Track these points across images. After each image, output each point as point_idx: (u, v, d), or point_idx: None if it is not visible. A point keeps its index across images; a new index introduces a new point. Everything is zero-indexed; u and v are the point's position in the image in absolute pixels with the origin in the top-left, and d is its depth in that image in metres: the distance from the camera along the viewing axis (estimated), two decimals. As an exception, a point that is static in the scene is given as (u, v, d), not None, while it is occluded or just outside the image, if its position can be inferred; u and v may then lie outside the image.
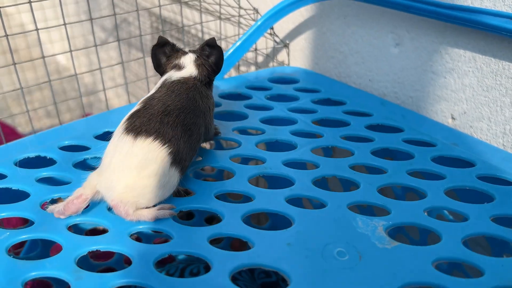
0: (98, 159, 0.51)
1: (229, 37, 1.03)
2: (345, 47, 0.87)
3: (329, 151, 0.75)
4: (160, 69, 0.60)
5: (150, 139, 0.48)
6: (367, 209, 0.58)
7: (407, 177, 0.54)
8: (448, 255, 0.44)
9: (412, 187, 0.53)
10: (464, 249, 0.44)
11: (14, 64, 0.67)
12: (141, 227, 0.47)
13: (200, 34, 1.21)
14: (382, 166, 0.56)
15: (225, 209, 0.49)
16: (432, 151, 0.59)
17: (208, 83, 0.59)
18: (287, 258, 0.43)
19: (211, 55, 0.59)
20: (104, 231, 0.46)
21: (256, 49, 0.97)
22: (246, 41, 0.83)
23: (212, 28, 1.11)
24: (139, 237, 0.80)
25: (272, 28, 0.93)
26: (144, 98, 0.54)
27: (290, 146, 0.61)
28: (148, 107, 0.51)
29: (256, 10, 0.89)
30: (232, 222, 0.47)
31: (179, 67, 0.58)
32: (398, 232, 0.71)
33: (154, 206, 0.49)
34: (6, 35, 0.66)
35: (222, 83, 0.80)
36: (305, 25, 0.94)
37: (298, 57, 0.98)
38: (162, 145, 0.48)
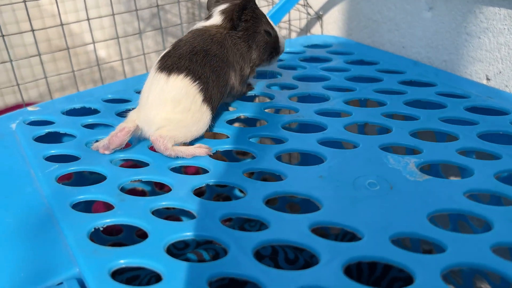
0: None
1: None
2: (378, 15, 0.88)
3: (362, 103, 0.76)
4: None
5: (181, 76, 0.51)
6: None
7: (439, 123, 0.55)
8: (480, 187, 0.44)
9: (444, 132, 0.53)
10: (496, 182, 0.44)
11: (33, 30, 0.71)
12: (179, 162, 0.49)
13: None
14: (414, 114, 0.57)
15: (258, 149, 0.51)
16: (465, 102, 0.60)
17: (231, 35, 0.57)
18: (318, 188, 0.44)
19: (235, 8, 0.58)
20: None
21: (289, 20, 0.98)
22: (278, 12, 0.85)
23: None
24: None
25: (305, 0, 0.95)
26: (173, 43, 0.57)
27: (322, 99, 0.63)
28: (177, 48, 0.54)
29: (289, -20, 0.90)
30: (265, 159, 0.49)
31: (208, 17, 0.60)
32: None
33: (191, 145, 0.52)
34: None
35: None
36: (338, -3, 0.95)
37: (331, 29, 0.99)
38: (193, 82, 0.51)
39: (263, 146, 0.51)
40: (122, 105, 0.62)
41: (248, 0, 0.57)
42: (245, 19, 0.58)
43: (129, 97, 0.64)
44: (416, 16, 0.81)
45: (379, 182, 0.45)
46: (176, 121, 0.50)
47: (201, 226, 0.40)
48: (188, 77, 0.51)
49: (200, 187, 0.46)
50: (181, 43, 0.55)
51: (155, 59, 1.95)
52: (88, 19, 0.79)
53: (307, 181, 0.46)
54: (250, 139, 0.53)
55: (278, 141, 0.53)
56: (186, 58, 0.52)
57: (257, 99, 0.68)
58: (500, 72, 0.71)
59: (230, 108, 0.60)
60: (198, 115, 0.51)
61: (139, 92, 0.64)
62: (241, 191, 0.45)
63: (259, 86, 0.66)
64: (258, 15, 0.59)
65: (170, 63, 0.52)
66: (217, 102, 0.54)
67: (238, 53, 0.58)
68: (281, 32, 1.08)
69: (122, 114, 0.60)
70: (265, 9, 0.99)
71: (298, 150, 0.51)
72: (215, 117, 0.56)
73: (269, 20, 0.61)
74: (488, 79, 0.73)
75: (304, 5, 0.94)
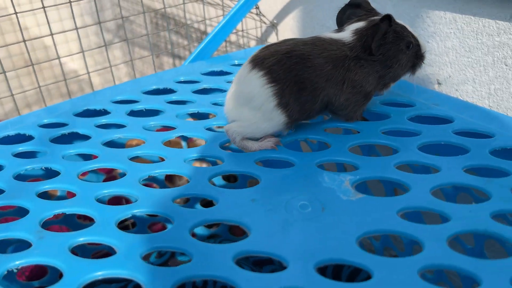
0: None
1: (212, 19, 1.03)
2: (331, 21, 0.86)
3: None
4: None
5: (260, 74, 0.50)
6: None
7: (380, 136, 0.53)
8: (415, 204, 0.43)
9: (383, 145, 0.52)
10: (432, 198, 0.43)
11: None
12: (106, 191, 0.47)
13: (191, 23, 1.22)
14: (356, 127, 0.55)
15: (192, 172, 0.49)
16: (410, 111, 0.58)
17: (360, 57, 0.52)
18: (249, 212, 0.43)
19: (373, 32, 0.51)
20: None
21: (243, 30, 0.97)
22: (230, 21, 0.83)
23: (197, 14, 1.12)
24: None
25: (258, 8, 0.93)
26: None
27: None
28: (281, 44, 0.52)
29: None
30: (199, 183, 0.47)
31: (340, 30, 0.55)
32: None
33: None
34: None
35: (208, 62, 0.80)
36: (292, 4, 0.93)
37: (287, 36, 0.98)
38: (269, 83, 0.50)
39: (197, 169, 0.49)
40: (57, 130, 0.59)
41: (388, 24, 0.51)
42: (385, 43, 0.52)
43: (66, 121, 0.61)
44: (367, 21, 0.79)
45: (311, 203, 0.43)
46: (246, 117, 0.52)
47: (120, 263, 0.38)
48: (266, 77, 0.50)
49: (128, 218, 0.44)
50: (289, 41, 0.53)
51: (124, 69, 1.92)
52: (52, 34, 0.77)
53: (239, 205, 0.44)
54: (185, 162, 0.51)
55: (215, 162, 0.52)
56: (277, 57, 0.50)
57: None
58: (450, 76, 0.70)
59: (169, 128, 0.58)
60: (269, 116, 0.51)
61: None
62: (169, 220, 0.43)
63: (203, 101, 0.65)
64: (398, 33, 0.53)
65: (262, 57, 0.51)
66: (297, 112, 0.51)
67: (363, 74, 0.52)
68: (239, 41, 1.06)
69: (56, 140, 0.58)
70: (215, 11, 0.97)
71: (233, 171, 0.50)
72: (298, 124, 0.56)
73: (409, 28, 0.54)
74: (439, 83, 0.72)
75: (258, 14, 0.93)
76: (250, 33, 1.01)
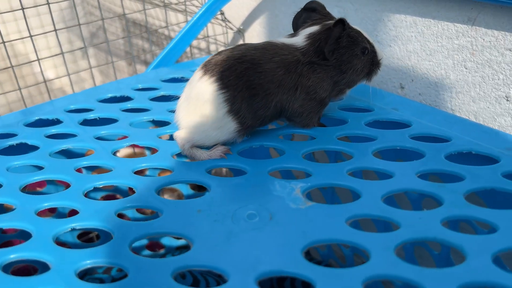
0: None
1: (175, 24, 1.01)
2: (296, 27, 0.85)
3: None
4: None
5: (211, 80, 0.48)
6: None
7: (335, 142, 0.52)
8: (365, 212, 0.41)
9: (338, 151, 0.51)
10: (382, 205, 0.42)
11: None
12: (46, 204, 0.45)
13: (159, 29, 1.20)
14: (311, 133, 0.54)
15: (138, 182, 0.47)
16: (368, 116, 0.57)
17: (313, 62, 0.51)
18: (194, 224, 0.41)
19: (327, 36, 0.50)
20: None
21: (208, 36, 0.95)
22: (193, 26, 0.82)
23: (160, 18, 1.10)
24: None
25: (222, 14, 0.92)
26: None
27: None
28: (233, 49, 0.51)
29: (203, -5, 0.88)
30: (143, 194, 0.46)
31: (293, 35, 0.53)
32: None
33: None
34: None
35: (171, 68, 0.79)
36: (258, 10, 0.92)
37: (254, 42, 0.97)
38: (220, 89, 0.48)
39: (143, 179, 0.48)
40: (5, 141, 0.57)
41: (342, 28, 0.50)
42: (339, 48, 0.51)
43: (16, 131, 0.59)
44: (331, 26, 0.79)
45: (259, 213, 0.42)
46: (196, 124, 0.50)
47: (52, 280, 0.36)
48: (217, 83, 0.48)
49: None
50: (241, 46, 0.51)
51: (99, 78, 1.90)
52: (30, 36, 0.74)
53: (184, 217, 0.42)
54: (134, 172, 0.49)
55: (161, 169, 0.50)
56: (228, 63, 0.49)
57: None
58: (412, 80, 0.69)
59: (118, 138, 0.56)
60: (220, 123, 0.49)
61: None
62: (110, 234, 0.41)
63: (160, 109, 0.63)
64: (353, 37, 0.51)
65: (213, 62, 0.49)
66: (250, 119, 0.50)
67: (316, 80, 0.51)
68: (210, 47, 1.05)
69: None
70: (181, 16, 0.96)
71: (182, 181, 0.48)
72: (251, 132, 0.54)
73: (364, 34, 0.53)
74: (402, 87, 0.71)
75: (223, 20, 0.91)
76: (218, 39, 1.00)
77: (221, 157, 0.50)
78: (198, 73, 0.50)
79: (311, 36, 0.52)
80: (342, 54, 0.51)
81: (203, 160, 0.50)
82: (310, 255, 0.86)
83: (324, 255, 0.79)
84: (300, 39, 0.52)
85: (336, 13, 0.76)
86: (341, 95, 0.56)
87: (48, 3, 0.75)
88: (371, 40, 0.54)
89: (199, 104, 0.49)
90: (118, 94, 0.68)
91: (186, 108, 0.50)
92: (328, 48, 0.50)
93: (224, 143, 0.52)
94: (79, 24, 0.81)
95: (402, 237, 0.38)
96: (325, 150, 0.52)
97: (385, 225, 0.60)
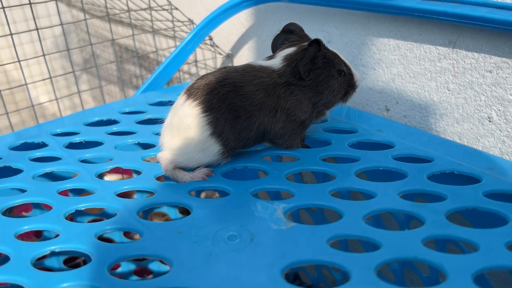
0: None
1: (165, 49, 1.02)
2: (284, 51, 0.86)
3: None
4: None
5: (194, 104, 0.49)
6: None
7: (318, 163, 0.52)
8: (346, 232, 0.41)
9: (321, 171, 0.51)
10: (364, 225, 0.42)
11: None
12: (26, 227, 0.45)
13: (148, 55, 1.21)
14: (294, 155, 0.54)
15: (121, 204, 0.47)
16: (351, 137, 0.57)
17: (290, 83, 0.51)
18: (173, 246, 0.41)
19: (303, 57, 0.51)
20: None
21: (196, 61, 0.96)
22: (182, 51, 0.83)
23: (151, 44, 1.11)
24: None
25: (211, 39, 0.93)
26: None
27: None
28: (215, 72, 0.52)
29: (191, 21, 0.89)
30: (125, 216, 0.45)
31: (271, 57, 0.54)
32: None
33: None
34: None
35: (159, 92, 0.79)
36: (246, 35, 0.94)
37: (243, 67, 0.98)
38: (203, 112, 0.49)
39: (125, 201, 0.47)
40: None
41: (317, 48, 0.50)
42: (315, 68, 0.52)
43: (0, 155, 0.59)
44: (317, 50, 0.80)
45: (240, 234, 0.41)
46: (180, 146, 0.50)
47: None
48: (200, 107, 0.49)
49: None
50: (223, 69, 0.52)
51: (91, 104, 1.90)
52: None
53: (164, 239, 0.42)
54: (119, 195, 0.49)
55: (149, 192, 0.50)
56: (210, 87, 0.50)
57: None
58: (397, 103, 0.70)
59: (106, 161, 0.56)
60: (203, 146, 0.50)
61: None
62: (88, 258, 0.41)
63: (145, 132, 0.63)
64: (329, 58, 0.52)
65: (196, 87, 0.50)
66: (233, 140, 0.50)
67: (294, 102, 0.51)
68: (200, 72, 1.06)
69: None
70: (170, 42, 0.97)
71: (164, 202, 0.48)
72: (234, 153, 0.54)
73: (341, 56, 0.54)
74: (387, 109, 0.72)
75: (212, 45, 0.92)
76: (208, 64, 1.01)
77: (203, 179, 0.50)
78: (181, 97, 0.51)
79: (287, 58, 0.52)
80: (319, 74, 0.52)
81: (185, 182, 0.50)
82: (299, 279, 0.85)
83: (314, 279, 0.78)
84: (277, 61, 0.53)
85: (321, 38, 0.78)
86: (321, 117, 0.56)
87: (37, 29, 0.76)
88: (347, 62, 0.55)
89: (182, 127, 0.50)
90: (105, 118, 0.68)
91: (170, 131, 0.51)
92: (303, 67, 0.51)
93: (208, 165, 0.52)
94: (68, 49, 0.81)
95: (383, 257, 0.37)
96: (312, 171, 0.52)
97: (374, 247, 0.59)
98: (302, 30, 0.56)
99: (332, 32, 0.76)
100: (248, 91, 0.50)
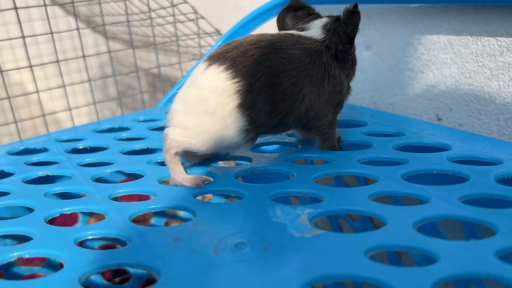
0: None
1: (191, 61, 0.97)
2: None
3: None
4: None
5: (221, 68, 0.40)
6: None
7: (355, 165, 0.43)
8: (390, 242, 0.31)
9: (360, 175, 0.41)
10: (414, 233, 0.31)
11: None
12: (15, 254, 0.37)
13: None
14: (327, 158, 0.45)
15: (112, 207, 0.39)
16: (396, 140, 0.48)
17: (336, 53, 0.44)
18: (166, 255, 0.32)
19: (348, 23, 0.44)
20: None
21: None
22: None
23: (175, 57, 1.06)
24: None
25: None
26: None
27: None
28: (245, 37, 0.42)
29: (218, 32, 0.83)
30: (116, 220, 0.37)
31: (302, 29, 0.46)
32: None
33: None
34: None
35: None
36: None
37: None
38: (233, 78, 0.39)
39: (118, 205, 0.39)
40: None
41: (359, 16, 0.44)
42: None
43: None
44: (355, 57, 0.71)
45: (251, 242, 0.32)
46: (193, 124, 0.40)
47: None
48: (228, 72, 0.39)
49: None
50: (252, 35, 0.43)
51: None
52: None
53: (155, 246, 0.33)
54: (110, 198, 0.41)
55: (144, 197, 0.42)
56: (242, 49, 0.40)
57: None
58: (450, 110, 0.60)
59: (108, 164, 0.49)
60: (225, 122, 0.40)
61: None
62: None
63: (156, 135, 0.56)
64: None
65: (221, 51, 0.41)
66: (265, 115, 0.41)
67: (339, 71, 0.44)
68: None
69: None
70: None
71: (164, 207, 0.39)
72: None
73: None
74: (439, 118, 0.61)
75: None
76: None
77: (198, 187, 0.41)
78: (202, 64, 0.41)
79: (327, 28, 0.45)
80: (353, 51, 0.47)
81: (174, 181, 0.41)
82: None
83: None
84: (316, 32, 0.45)
85: (360, 42, 0.69)
86: (349, 95, 0.48)
87: (51, 33, 0.72)
88: None
89: (201, 99, 0.40)
90: (116, 126, 0.62)
91: (184, 104, 0.41)
92: (353, 34, 0.45)
93: (226, 152, 0.43)
94: (89, 81, 0.77)
95: (442, 272, 0.27)
96: (348, 175, 0.43)
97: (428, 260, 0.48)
98: (311, 7, 0.49)
99: (372, 34, 0.67)
100: (292, 54, 0.41)
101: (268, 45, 0.41)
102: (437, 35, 0.59)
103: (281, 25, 0.49)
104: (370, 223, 0.60)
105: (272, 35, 0.43)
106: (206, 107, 0.40)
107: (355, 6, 0.43)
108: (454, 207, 0.34)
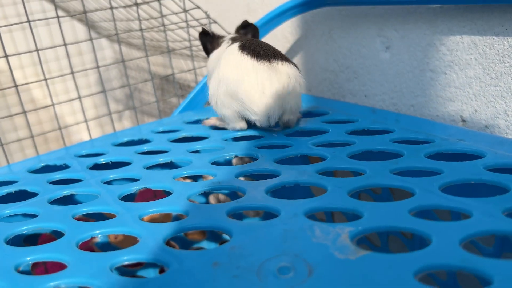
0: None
1: (203, 67, 0.95)
2: (335, 64, 0.78)
3: (296, 161, 0.65)
4: (209, 50, 0.67)
5: (287, 65, 0.53)
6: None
7: (390, 177, 0.42)
8: (439, 261, 0.30)
9: (395, 187, 0.40)
10: (463, 252, 0.30)
11: None
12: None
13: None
14: (359, 169, 0.44)
15: (144, 230, 0.38)
16: (428, 148, 0.47)
17: None
18: (207, 281, 0.31)
19: (248, 33, 0.66)
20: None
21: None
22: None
23: (188, 64, 1.05)
24: None
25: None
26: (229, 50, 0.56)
27: (252, 159, 0.50)
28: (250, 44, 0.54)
29: (232, 36, 0.82)
30: (150, 244, 0.36)
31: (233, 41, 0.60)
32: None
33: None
34: None
35: (197, 112, 0.72)
36: (292, 51, 0.85)
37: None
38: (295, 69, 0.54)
39: (150, 226, 0.38)
40: (3, 188, 0.50)
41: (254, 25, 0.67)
42: None
43: (17, 178, 0.52)
44: (374, 59, 0.70)
45: (294, 266, 0.31)
46: (296, 103, 0.55)
47: None
48: (289, 64, 0.53)
49: None
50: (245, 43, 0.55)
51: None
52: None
53: (195, 272, 0.32)
54: (140, 218, 0.40)
55: (176, 217, 0.41)
56: (269, 46, 0.54)
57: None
58: (476, 111, 0.58)
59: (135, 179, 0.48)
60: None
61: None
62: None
63: (178, 148, 0.55)
64: None
65: (262, 52, 0.52)
66: None
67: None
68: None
69: None
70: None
71: (198, 227, 0.38)
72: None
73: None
74: (463, 120, 0.60)
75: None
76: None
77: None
78: (263, 64, 0.52)
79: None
80: None
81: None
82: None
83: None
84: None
85: (379, 43, 0.68)
86: None
87: (64, 44, 0.71)
88: None
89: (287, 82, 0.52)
90: (136, 138, 0.61)
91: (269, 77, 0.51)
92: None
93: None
94: (104, 91, 0.76)
95: (500, 295, 0.26)
96: (378, 187, 0.42)
97: (484, 282, 0.47)
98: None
99: (391, 36, 0.66)
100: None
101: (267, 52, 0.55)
102: (461, 36, 0.57)
103: (204, 47, 0.68)
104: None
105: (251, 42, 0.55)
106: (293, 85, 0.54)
107: (246, 21, 0.66)
108: (499, 221, 0.33)
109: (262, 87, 0.50)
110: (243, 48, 0.52)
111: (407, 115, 0.58)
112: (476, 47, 0.56)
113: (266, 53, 0.51)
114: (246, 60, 0.51)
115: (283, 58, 0.52)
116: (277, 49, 0.54)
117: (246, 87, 0.50)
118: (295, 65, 0.54)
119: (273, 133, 0.57)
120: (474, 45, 0.56)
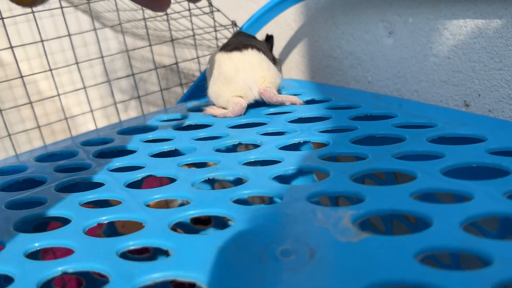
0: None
1: (206, 55, 0.96)
2: (338, 51, 0.77)
3: (300, 147, 0.65)
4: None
5: (252, 49, 0.62)
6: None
7: (391, 161, 0.42)
8: (439, 243, 0.30)
9: (397, 171, 0.40)
10: (463, 234, 0.31)
11: None
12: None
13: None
14: (361, 153, 0.44)
15: (149, 215, 0.39)
16: (430, 132, 0.47)
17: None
18: (210, 265, 0.31)
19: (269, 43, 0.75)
20: None
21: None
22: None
23: (192, 53, 1.05)
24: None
25: (257, 43, 0.85)
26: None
27: (254, 146, 0.51)
28: (235, 38, 0.68)
29: (234, 24, 0.82)
30: (155, 229, 0.37)
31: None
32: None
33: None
34: None
35: (201, 101, 0.72)
36: (296, 38, 0.85)
37: (294, 73, 0.89)
38: (259, 52, 0.63)
39: (154, 212, 0.39)
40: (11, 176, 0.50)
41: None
42: None
43: (25, 166, 0.53)
44: (377, 44, 0.70)
45: (296, 249, 0.32)
46: (270, 75, 0.62)
47: None
48: (255, 49, 0.62)
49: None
50: (230, 39, 0.68)
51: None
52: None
53: (198, 256, 0.33)
54: (145, 204, 0.41)
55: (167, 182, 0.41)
56: (246, 40, 0.64)
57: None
58: (479, 95, 0.58)
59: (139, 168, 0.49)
60: (276, 69, 0.64)
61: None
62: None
63: (184, 137, 0.55)
64: None
65: (235, 46, 0.62)
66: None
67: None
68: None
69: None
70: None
71: (203, 212, 0.39)
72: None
73: None
74: (466, 105, 0.60)
75: (258, 51, 0.85)
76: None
77: (300, 103, 0.62)
78: (233, 53, 0.62)
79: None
80: None
81: (288, 104, 0.62)
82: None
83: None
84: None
85: (382, 29, 0.68)
86: None
87: (69, 34, 0.71)
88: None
89: (260, 63, 0.62)
90: (141, 126, 0.61)
91: (254, 70, 0.61)
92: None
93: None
94: (102, 57, 0.76)
95: (499, 275, 0.27)
96: (380, 172, 0.42)
97: (484, 262, 0.47)
98: None
99: (394, 21, 0.66)
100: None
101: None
102: (464, 20, 0.57)
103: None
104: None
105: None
106: (266, 65, 0.64)
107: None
108: (500, 203, 0.34)
109: (236, 66, 0.61)
110: (224, 48, 0.64)
111: (411, 100, 0.58)
112: (479, 31, 0.56)
113: (238, 47, 0.62)
114: (224, 55, 0.63)
115: (252, 47, 0.63)
116: (252, 43, 0.64)
117: (226, 69, 0.61)
118: (264, 51, 0.64)
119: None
120: (478, 29, 0.56)
